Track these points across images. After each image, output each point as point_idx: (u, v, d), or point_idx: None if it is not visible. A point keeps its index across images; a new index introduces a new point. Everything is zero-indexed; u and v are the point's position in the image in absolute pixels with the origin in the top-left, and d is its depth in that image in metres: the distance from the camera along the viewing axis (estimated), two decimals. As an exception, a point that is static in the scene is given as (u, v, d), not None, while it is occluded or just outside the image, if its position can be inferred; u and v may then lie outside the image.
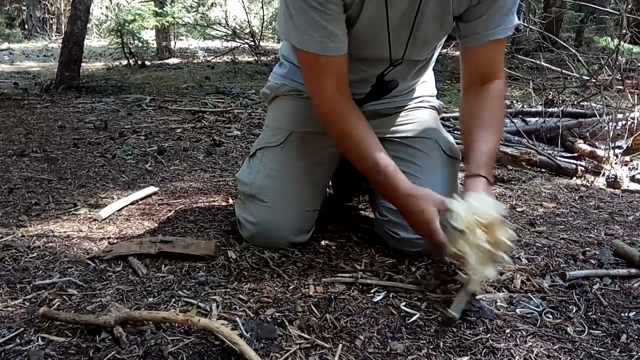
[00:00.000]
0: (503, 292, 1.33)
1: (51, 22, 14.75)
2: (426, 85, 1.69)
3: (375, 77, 1.48)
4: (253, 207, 1.52)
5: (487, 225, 1.18)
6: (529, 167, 2.56)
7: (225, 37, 8.01)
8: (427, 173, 1.51)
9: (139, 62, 7.13)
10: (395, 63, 1.44)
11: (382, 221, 1.55)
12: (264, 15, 9.57)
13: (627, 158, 2.66)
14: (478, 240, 1.17)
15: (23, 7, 14.82)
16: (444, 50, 6.05)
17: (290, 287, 1.32)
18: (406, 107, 1.63)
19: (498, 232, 1.19)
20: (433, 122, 1.63)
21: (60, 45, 5.03)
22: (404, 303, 1.26)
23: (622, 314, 1.23)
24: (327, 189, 2.08)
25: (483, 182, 1.34)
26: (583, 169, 2.49)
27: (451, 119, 3.20)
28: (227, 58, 7.56)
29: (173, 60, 7.75)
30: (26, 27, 14.48)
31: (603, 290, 1.35)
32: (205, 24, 8.37)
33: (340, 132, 1.41)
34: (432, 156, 1.55)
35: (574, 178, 2.44)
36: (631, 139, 2.70)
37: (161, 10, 7.87)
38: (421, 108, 1.65)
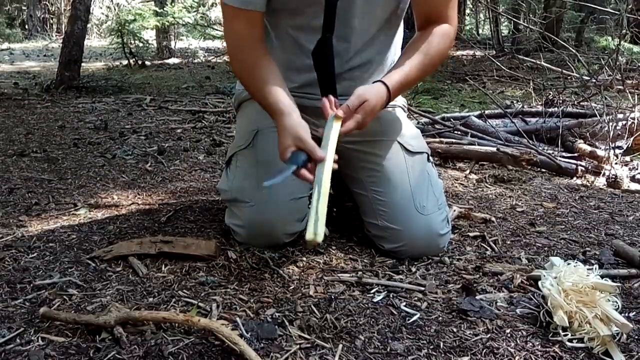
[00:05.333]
0: (503, 292, 1.33)
1: (51, 22, 14.76)
2: None
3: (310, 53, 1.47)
4: (238, 211, 1.53)
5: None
6: (529, 167, 2.56)
7: (225, 37, 7.99)
8: (394, 181, 1.52)
9: (139, 62, 7.13)
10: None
11: (369, 234, 1.58)
12: (264, 15, 9.53)
13: (627, 158, 2.66)
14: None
15: (23, 7, 14.82)
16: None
17: (291, 287, 1.32)
18: None
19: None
20: (393, 122, 1.62)
21: (61, 45, 5.03)
22: (404, 303, 1.26)
23: (622, 314, 1.23)
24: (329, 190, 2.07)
25: (380, 87, 1.38)
26: (583, 169, 2.49)
27: (451, 119, 3.19)
28: (227, 58, 7.56)
29: (173, 60, 7.76)
30: (26, 27, 14.48)
31: (603, 290, 1.34)
32: (206, 24, 8.36)
33: (245, 68, 1.45)
34: (395, 159, 1.55)
35: (574, 178, 2.44)
36: (631, 139, 2.70)
37: (161, 10, 7.88)
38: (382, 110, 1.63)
